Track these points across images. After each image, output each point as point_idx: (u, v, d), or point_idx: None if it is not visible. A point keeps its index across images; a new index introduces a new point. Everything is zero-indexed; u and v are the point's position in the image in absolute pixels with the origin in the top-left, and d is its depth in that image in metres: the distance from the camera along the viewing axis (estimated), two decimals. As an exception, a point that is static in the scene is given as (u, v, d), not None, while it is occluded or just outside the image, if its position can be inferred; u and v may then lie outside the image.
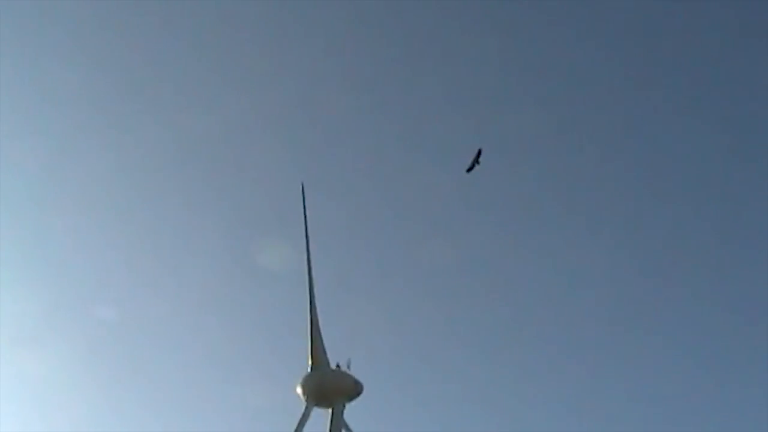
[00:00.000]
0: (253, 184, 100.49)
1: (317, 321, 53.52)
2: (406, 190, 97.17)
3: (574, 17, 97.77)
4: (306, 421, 51.53)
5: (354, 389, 52.92)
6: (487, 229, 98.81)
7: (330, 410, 52.47)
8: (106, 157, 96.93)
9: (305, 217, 56.97)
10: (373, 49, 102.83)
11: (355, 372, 53.61)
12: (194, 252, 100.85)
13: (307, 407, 51.90)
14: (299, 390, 52.64)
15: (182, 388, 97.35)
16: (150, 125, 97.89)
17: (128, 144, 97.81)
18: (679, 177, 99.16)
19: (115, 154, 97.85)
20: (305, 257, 55.72)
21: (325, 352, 53.29)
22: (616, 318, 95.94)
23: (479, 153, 54.32)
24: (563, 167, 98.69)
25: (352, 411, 53.38)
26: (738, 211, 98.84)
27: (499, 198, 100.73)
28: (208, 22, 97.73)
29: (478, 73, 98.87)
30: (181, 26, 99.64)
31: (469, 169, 54.74)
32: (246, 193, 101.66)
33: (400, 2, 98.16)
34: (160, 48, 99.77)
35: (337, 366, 53.26)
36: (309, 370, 52.74)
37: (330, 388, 52.29)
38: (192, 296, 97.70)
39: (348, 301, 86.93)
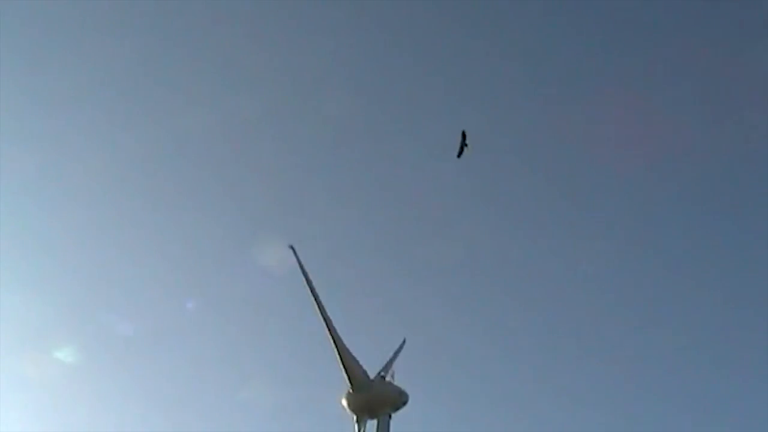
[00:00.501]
0: (255, 183, 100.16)
1: (341, 341, 52.24)
2: (409, 187, 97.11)
3: (571, 11, 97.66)
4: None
5: (399, 399, 53.23)
6: (494, 227, 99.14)
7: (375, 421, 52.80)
8: (107, 157, 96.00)
9: (305, 274, 53.47)
10: (373, 48, 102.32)
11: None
12: (195, 251, 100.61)
13: (359, 421, 52.05)
14: (344, 404, 52.59)
15: (188, 390, 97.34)
16: (150, 125, 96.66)
17: (129, 144, 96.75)
18: (686, 173, 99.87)
19: (116, 155, 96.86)
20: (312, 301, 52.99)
21: (360, 367, 52.68)
22: (623, 314, 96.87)
23: (464, 135, 53.80)
24: (568, 163, 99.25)
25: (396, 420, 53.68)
26: (747, 207, 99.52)
27: (505, 194, 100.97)
28: (207, 21, 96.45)
29: (482, 69, 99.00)
30: (181, 26, 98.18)
31: (459, 154, 54.17)
32: (247, 192, 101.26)
33: (398, 2, 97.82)
34: (160, 48, 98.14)
35: (381, 376, 53.23)
36: (350, 389, 52.17)
37: (375, 401, 52.27)
38: (194, 295, 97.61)
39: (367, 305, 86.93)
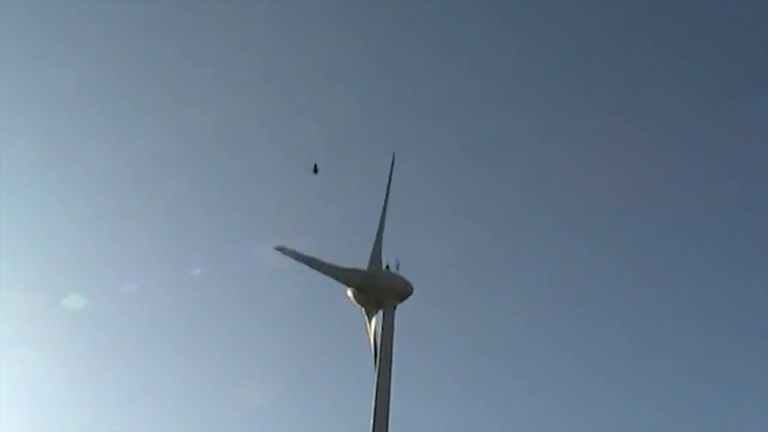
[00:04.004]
0: (253, 182, 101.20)
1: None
2: (409, 186, 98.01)
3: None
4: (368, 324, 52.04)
5: (404, 290, 52.54)
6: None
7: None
8: (105, 155, 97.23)
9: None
10: (374, 48, 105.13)
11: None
12: (192, 250, 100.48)
13: (366, 312, 52.37)
14: (349, 293, 52.50)
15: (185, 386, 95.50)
16: (149, 123, 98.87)
17: (127, 142, 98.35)
18: (680, 175, 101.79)
19: (115, 153, 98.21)
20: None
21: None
22: (618, 317, 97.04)
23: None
24: (561, 165, 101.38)
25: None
26: (742, 208, 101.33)
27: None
28: (207, 19, 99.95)
29: (473, 72, 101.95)
30: (181, 24, 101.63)
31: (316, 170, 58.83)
32: (246, 191, 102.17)
33: (398, 3, 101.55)
34: (160, 46, 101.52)
35: (387, 267, 53.09)
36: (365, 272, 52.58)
37: (381, 287, 51.92)
38: (190, 294, 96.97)
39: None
